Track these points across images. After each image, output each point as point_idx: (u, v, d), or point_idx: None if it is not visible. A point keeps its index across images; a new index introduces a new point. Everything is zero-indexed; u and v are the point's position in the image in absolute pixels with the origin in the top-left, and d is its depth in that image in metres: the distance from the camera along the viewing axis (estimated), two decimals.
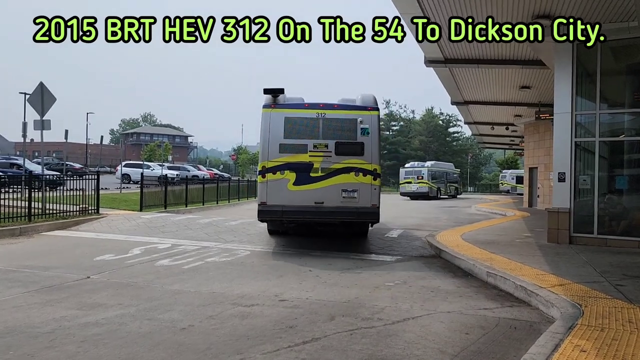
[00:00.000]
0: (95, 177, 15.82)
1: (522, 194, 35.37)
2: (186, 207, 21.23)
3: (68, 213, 14.39)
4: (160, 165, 40.87)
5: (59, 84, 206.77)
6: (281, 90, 11.32)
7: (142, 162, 35.09)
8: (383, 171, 73.91)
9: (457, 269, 9.34)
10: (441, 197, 46.24)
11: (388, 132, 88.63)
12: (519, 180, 47.14)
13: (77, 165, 47.01)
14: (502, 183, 61.88)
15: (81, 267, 8.69)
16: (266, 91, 11.30)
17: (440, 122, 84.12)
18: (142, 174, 19.76)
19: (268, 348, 4.84)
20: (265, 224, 13.14)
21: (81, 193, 15.12)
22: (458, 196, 50.83)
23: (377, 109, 11.55)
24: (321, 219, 11.46)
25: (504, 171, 64.02)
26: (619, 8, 10.03)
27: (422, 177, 43.41)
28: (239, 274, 8.55)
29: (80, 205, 14.98)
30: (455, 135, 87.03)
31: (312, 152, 11.18)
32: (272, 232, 13.39)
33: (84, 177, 15.98)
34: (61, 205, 14.50)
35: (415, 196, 42.79)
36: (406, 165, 47.22)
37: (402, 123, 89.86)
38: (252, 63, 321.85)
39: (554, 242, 11.71)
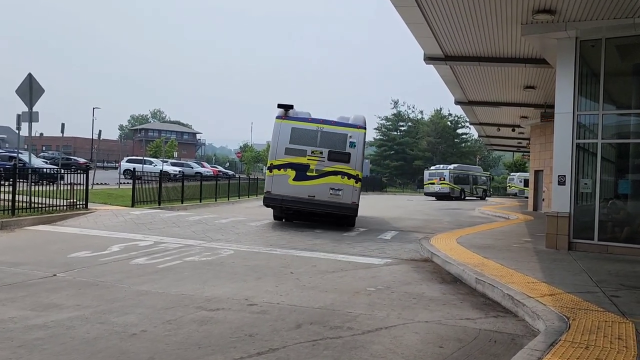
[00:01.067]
0: (85, 171, 15.46)
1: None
2: (182, 203, 20.88)
3: (55, 207, 14.08)
4: (163, 161, 40.62)
5: (69, 79, 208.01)
6: (291, 106, 14.41)
7: (142, 158, 34.79)
8: (389, 172, 75.37)
9: (447, 274, 8.88)
10: (466, 198, 48.37)
11: (396, 133, 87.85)
12: (527, 183, 46.55)
13: (82, 160, 46.94)
14: (509, 186, 61.19)
15: (51, 264, 8.33)
16: (279, 106, 14.40)
17: (449, 123, 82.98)
18: (134, 169, 19.46)
19: (217, 359, 4.43)
20: (256, 223, 14.71)
21: (70, 187, 14.80)
22: (487, 198, 51.70)
23: (365, 128, 14.58)
24: (312, 209, 14.50)
25: (511, 174, 63.34)
26: (622, 3, 9.50)
27: (444, 178, 46.73)
28: (215, 274, 8.16)
29: (69, 200, 14.66)
30: (464, 136, 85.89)
31: (310, 157, 14.21)
32: (276, 217, 16.11)
33: (74, 171, 15.67)
34: (49, 200, 14.19)
35: (439, 196, 45.89)
36: (431, 168, 50.85)
37: (410, 123, 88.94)
38: (264, 60, 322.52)
39: (552, 247, 11.20)
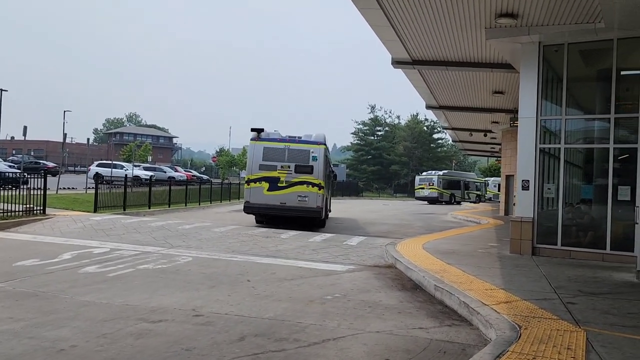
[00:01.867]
0: (43, 175, 14.93)
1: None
2: (149, 209, 20.41)
3: (10, 213, 13.54)
4: (135, 165, 39.88)
5: (47, 80, 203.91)
6: (262, 130, 17.55)
7: (111, 162, 34.08)
8: (366, 177, 77.26)
9: (408, 281, 8.73)
10: (460, 203, 50.44)
11: (373, 137, 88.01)
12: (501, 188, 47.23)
13: (51, 164, 45.86)
14: None
15: None
16: (252, 130, 17.50)
17: (425, 128, 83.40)
18: (97, 173, 18.97)
19: None
20: (221, 229, 14.86)
21: (27, 192, 14.28)
22: (480, 202, 53.52)
23: (324, 144, 17.82)
24: (283, 213, 17.35)
25: (486, 179, 63.98)
26: (584, 7, 9.50)
27: (433, 184, 50.00)
28: (167, 283, 7.84)
29: (25, 205, 14.13)
30: (440, 141, 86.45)
31: (280, 170, 17.12)
32: (257, 221, 18.70)
33: (33, 175, 15.14)
34: (4, 205, 13.64)
35: (429, 200, 49.26)
36: (422, 174, 54.64)
37: (387, 128, 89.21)
38: (243, 68, 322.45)
39: (516, 252, 11.15)
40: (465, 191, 54.71)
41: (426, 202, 49.19)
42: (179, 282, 7.99)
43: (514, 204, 25.68)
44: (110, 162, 36.59)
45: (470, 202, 52.93)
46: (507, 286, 7.57)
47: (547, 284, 7.87)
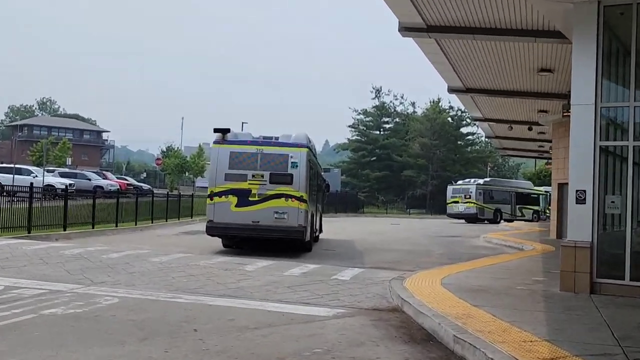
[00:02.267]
0: None
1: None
2: (64, 230, 20.45)
3: None
4: (48, 170, 39.75)
5: None
6: (228, 130, 18.36)
7: (13, 165, 33.96)
8: (369, 186, 78.73)
9: (419, 330, 8.76)
10: (506, 220, 50.32)
11: (378, 132, 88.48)
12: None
13: None
14: None
15: None
16: (216, 130, 18.31)
17: (449, 119, 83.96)
18: None
19: None
20: (162, 258, 14.89)
21: None
22: (540, 220, 53.14)
23: (306, 147, 18.62)
24: (257, 235, 18.17)
25: (547, 189, 64.54)
26: None
27: (470, 196, 50.51)
28: (81, 335, 7.78)
29: None
30: (470, 138, 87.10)
31: (251, 181, 17.85)
32: (225, 245, 19.68)
33: None
34: None
35: (468, 218, 49.77)
36: (458, 182, 55.81)
37: (397, 119, 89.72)
38: (203, 47, 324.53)
39: (569, 290, 11.17)
40: (517, 206, 54.84)
41: (463, 221, 49.72)
42: (97, 333, 7.94)
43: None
44: (12, 165, 36.41)
45: (525, 220, 52.83)
46: (554, 337, 7.59)
47: (608, 334, 7.90)
